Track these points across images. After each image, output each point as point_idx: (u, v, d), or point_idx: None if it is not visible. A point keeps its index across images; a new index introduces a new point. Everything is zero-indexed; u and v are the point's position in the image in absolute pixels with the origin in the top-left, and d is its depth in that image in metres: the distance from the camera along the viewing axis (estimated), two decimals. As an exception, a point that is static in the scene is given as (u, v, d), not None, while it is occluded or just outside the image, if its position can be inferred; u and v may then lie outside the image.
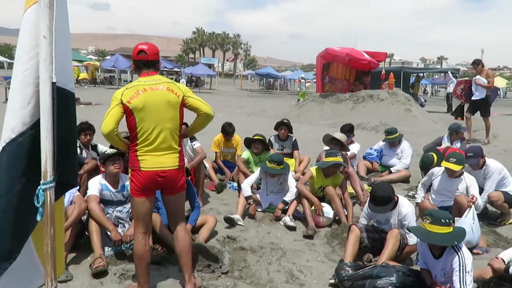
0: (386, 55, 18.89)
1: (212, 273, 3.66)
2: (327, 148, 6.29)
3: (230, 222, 4.78)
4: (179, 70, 42.99)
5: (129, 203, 4.29)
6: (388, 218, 4.03)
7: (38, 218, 1.44)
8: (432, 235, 3.10)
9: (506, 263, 3.28)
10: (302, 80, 31.58)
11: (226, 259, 3.93)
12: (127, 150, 3.19)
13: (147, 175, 3.03)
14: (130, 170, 3.11)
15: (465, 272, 2.97)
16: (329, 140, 6.04)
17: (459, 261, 3.01)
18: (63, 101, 1.47)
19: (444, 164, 4.77)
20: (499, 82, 44.96)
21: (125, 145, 3.15)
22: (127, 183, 4.27)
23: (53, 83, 1.40)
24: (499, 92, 47.21)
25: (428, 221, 3.12)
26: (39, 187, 1.41)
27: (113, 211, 4.16)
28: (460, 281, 2.95)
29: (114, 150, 4.36)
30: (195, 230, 4.32)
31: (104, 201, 4.15)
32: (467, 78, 11.74)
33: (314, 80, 34.41)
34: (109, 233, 3.90)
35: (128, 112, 2.99)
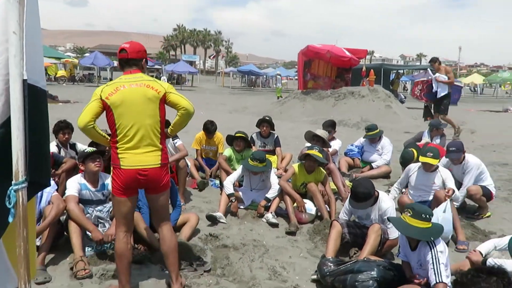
0: (366, 52, 19.11)
1: (195, 271, 3.63)
2: (309, 144, 6.31)
3: (212, 220, 4.75)
4: (160, 67, 42.59)
5: (110, 202, 4.23)
6: (369, 214, 4.07)
7: (10, 219, 1.39)
8: (410, 228, 3.16)
9: (483, 255, 3.36)
10: (278, 77, 31.97)
11: (208, 257, 3.92)
12: (108, 145, 3.16)
13: (127, 173, 2.99)
14: (112, 168, 3.08)
15: (439, 263, 3.02)
16: (311, 136, 6.06)
17: (432, 254, 3.07)
18: (35, 98, 1.41)
19: (422, 159, 4.83)
20: (477, 79, 45.99)
21: (104, 139, 3.12)
22: (107, 181, 4.22)
23: (24, 80, 1.35)
24: (476, 88, 48.37)
25: (409, 214, 3.18)
26: (10, 188, 1.35)
27: (93, 211, 4.09)
28: (435, 273, 3.01)
29: (94, 148, 4.29)
30: (177, 228, 4.28)
31: (84, 201, 4.07)
32: (423, 79, 11.74)
33: (296, 77, 34.48)
34: (89, 233, 3.83)
35: (107, 108, 2.99)
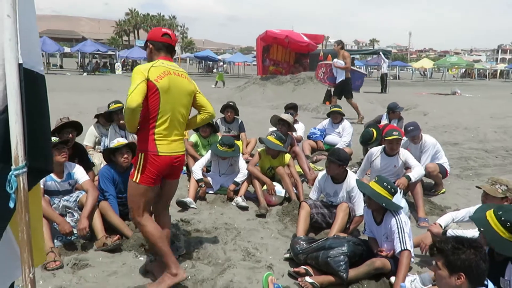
0: (324, 38, 19.40)
1: (169, 256, 3.65)
2: (273, 129, 6.41)
3: (183, 206, 4.77)
4: (113, 53, 41.08)
5: (76, 192, 4.14)
6: (337, 191, 4.25)
7: (11, 205, 1.36)
8: (367, 188, 3.47)
9: (443, 227, 3.61)
10: (221, 63, 31.81)
11: (182, 242, 3.94)
12: (134, 131, 3.05)
13: (164, 160, 2.97)
14: (142, 155, 2.95)
15: (404, 232, 3.28)
16: (277, 121, 6.16)
17: (397, 223, 3.32)
18: (32, 83, 1.37)
19: (389, 137, 4.94)
20: (427, 64, 47.95)
21: (135, 124, 2.98)
22: (73, 171, 4.12)
23: (20, 65, 1.31)
24: (426, 72, 50.38)
25: (374, 180, 3.53)
26: (10, 173, 1.32)
27: (59, 201, 3.99)
28: (400, 241, 3.26)
29: (57, 139, 4.16)
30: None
31: (49, 192, 3.98)
32: (327, 62, 11.76)
33: (254, 63, 34.45)
34: (56, 225, 3.74)
35: (153, 91, 2.90)
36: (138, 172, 2.97)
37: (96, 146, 5.94)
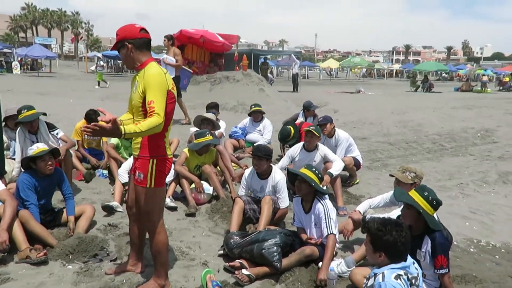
0: (238, 38, 19.71)
1: (100, 262, 3.55)
2: (194, 129, 6.42)
3: (109, 210, 4.63)
4: (9, 51, 37.48)
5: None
6: (263, 186, 4.44)
7: None
8: (300, 172, 3.76)
9: (362, 214, 3.97)
10: (101, 62, 29.29)
11: (112, 247, 3.86)
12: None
13: (171, 161, 2.98)
14: (154, 160, 2.84)
15: (330, 218, 3.60)
16: (200, 120, 6.20)
17: (324, 208, 3.63)
18: None
19: (306, 129, 5.35)
20: (333, 64, 50.84)
21: None
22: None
23: None
24: (332, 72, 53.35)
25: (304, 168, 3.81)
26: None
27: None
28: (327, 226, 3.57)
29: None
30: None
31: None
32: (156, 57, 11.32)
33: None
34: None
35: (172, 100, 2.84)
36: (151, 178, 2.87)
37: (5, 152, 5.47)
